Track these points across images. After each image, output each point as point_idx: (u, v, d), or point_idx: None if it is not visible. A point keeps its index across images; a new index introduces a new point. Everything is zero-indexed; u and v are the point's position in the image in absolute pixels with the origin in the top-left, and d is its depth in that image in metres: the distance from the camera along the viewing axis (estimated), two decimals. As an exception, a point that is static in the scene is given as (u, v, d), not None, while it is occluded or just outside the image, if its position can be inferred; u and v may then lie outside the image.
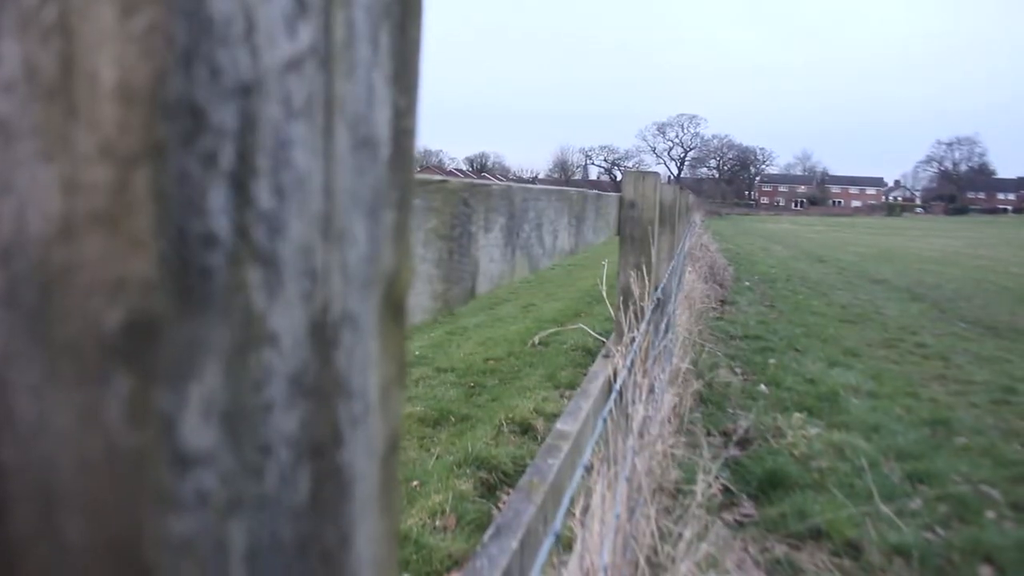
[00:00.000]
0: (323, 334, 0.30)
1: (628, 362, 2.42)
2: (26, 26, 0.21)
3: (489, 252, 1.05)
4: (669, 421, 4.32)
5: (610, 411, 2.42)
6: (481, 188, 0.99)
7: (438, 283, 0.85)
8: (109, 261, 0.21)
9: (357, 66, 0.31)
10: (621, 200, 2.63)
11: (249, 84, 0.24)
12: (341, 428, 0.32)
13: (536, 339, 6.66)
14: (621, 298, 2.66)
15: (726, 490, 4.22)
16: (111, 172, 0.21)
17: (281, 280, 0.27)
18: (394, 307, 0.37)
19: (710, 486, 3.48)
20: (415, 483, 4.58)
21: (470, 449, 4.87)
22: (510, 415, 5.46)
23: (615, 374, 2.50)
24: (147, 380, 0.22)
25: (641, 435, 2.50)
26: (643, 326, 2.46)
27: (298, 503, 0.29)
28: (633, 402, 2.40)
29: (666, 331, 4.65)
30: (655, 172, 2.70)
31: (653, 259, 2.61)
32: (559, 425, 1.96)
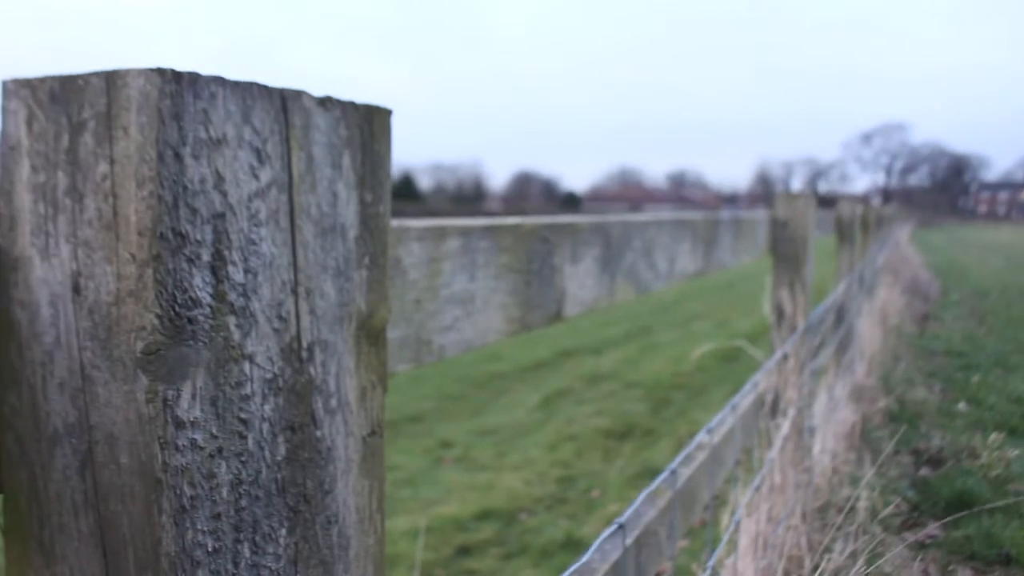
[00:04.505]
0: (296, 354, 0.49)
1: (779, 378, 2.48)
2: (95, 191, 0.41)
3: (579, 280, 1.21)
4: (848, 438, 4.24)
5: (758, 424, 2.49)
6: (564, 226, 1.15)
7: (514, 309, 1.02)
8: (136, 316, 0.41)
9: (319, 183, 0.49)
10: (773, 220, 2.69)
11: (221, 212, 0.43)
12: (317, 415, 0.51)
13: (698, 354, 6.65)
14: (774, 316, 2.71)
15: (912, 509, 4.09)
16: (135, 270, 0.40)
17: (256, 322, 0.46)
18: (371, 335, 0.55)
19: (888, 504, 3.41)
20: (595, 492, 4.73)
21: (650, 461, 4.97)
22: (693, 429, 5.50)
23: (769, 389, 2.56)
24: (156, 379, 0.41)
25: (792, 449, 2.54)
26: (791, 343, 2.50)
27: (278, 459, 0.48)
28: (782, 416, 2.45)
29: (845, 346, 4.56)
30: (807, 192, 2.74)
31: (806, 277, 2.65)
32: (700, 436, 2.07)
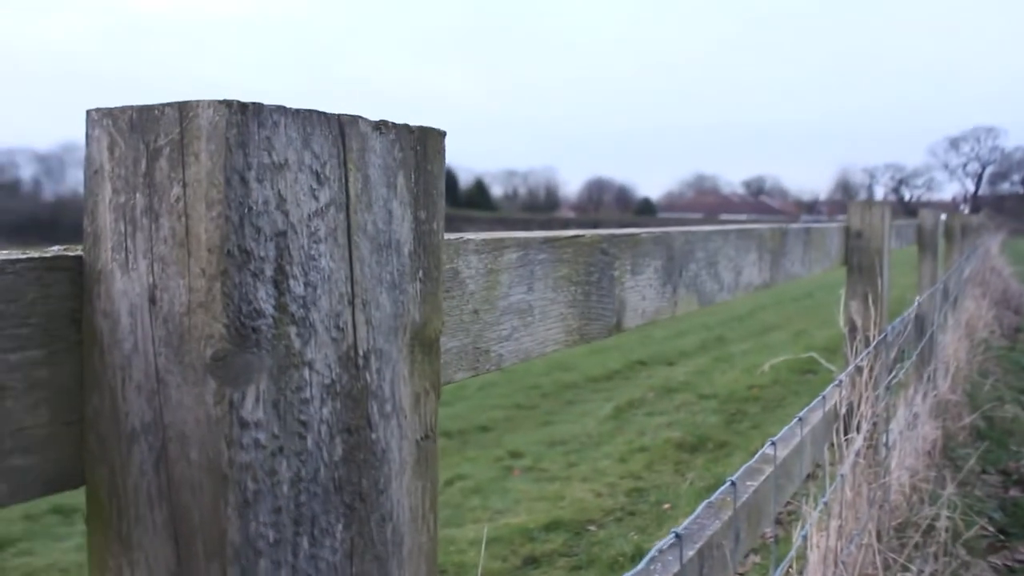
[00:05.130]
0: (352, 361, 0.52)
1: (850, 391, 2.44)
2: (170, 212, 0.45)
3: (640, 291, 1.23)
4: (929, 454, 4.13)
5: (830, 439, 2.45)
6: (624, 237, 1.17)
7: (572, 320, 1.04)
8: (205, 326, 0.44)
9: (374, 202, 0.53)
10: (847, 230, 2.66)
11: (283, 230, 0.47)
12: (372, 418, 0.54)
13: (767, 366, 6.54)
14: (847, 328, 2.67)
15: (999, 531, 3.96)
16: (205, 283, 0.44)
17: (315, 331, 0.49)
18: (425, 344, 0.59)
19: (971, 525, 3.32)
20: (666, 505, 4.70)
21: (723, 475, 4.91)
22: (767, 443, 5.42)
23: (840, 403, 2.52)
24: (223, 383, 0.45)
25: (866, 464, 2.50)
26: (865, 356, 2.47)
27: (335, 459, 0.51)
28: (855, 431, 2.42)
29: (927, 360, 4.44)
30: (884, 201, 2.70)
31: (880, 289, 2.61)
32: (766, 449, 2.06)
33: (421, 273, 0.58)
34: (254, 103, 0.45)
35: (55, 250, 0.55)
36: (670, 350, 9.61)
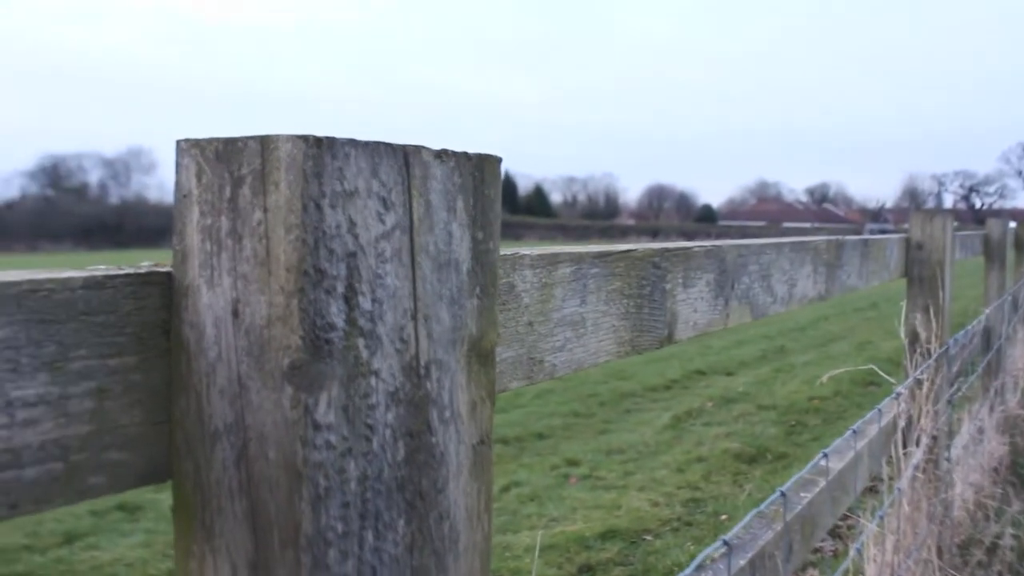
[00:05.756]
0: (415, 371, 0.57)
1: (909, 404, 2.43)
2: (252, 234, 0.50)
3: (692, 304, 1.26)
4: (995, 471, 4.05)
5: (887, 453, 2.44)
6: (676, 251, 1.21)
7: (624, 331, 1.08)
8: (284, 338, 0.49)
9: (435, 225, 0.58)
10: (907, 241, 2.64)
11: (353, 251, 0.52)
12: (432, 423, 0.59)
13: (828, 378, 6.44)
14: (907, 341, 2.65)
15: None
16: (283, 299, 0.49)
17: (380, 343, 0.54)
18: (481, 356, 0.63)
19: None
20: (724, 516, 4.68)
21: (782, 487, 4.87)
22: (827, 456, 5.36)
23: (899, 416, 2.51)
24: (299, 389, 0.50)
25: (925, 479, 2.47)
26: (926, 369, 2.45)
27: (397, 460, 0.56)
28: (913, 445, 2.40)
29: (994, 374, 4.36)
30: (946, 211, 2.68)
31: (942, 301, 2.58)
32: (818, 460, 2.06)
33: (478, 289, 0.62)
34: (328, 137, 0.50)
35: (147, 266, 0.61)
36: (729, 360, 9.53)
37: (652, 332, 1.15)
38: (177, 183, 0.57)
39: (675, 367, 8.78)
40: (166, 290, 0.58)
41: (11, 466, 0.51)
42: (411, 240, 0.56)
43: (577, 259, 0.96)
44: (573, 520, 4.51)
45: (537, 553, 3.90)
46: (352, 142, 0.52)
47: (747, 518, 1.39)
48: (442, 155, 0.58)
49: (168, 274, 0.58)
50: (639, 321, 1.12)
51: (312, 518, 0.51)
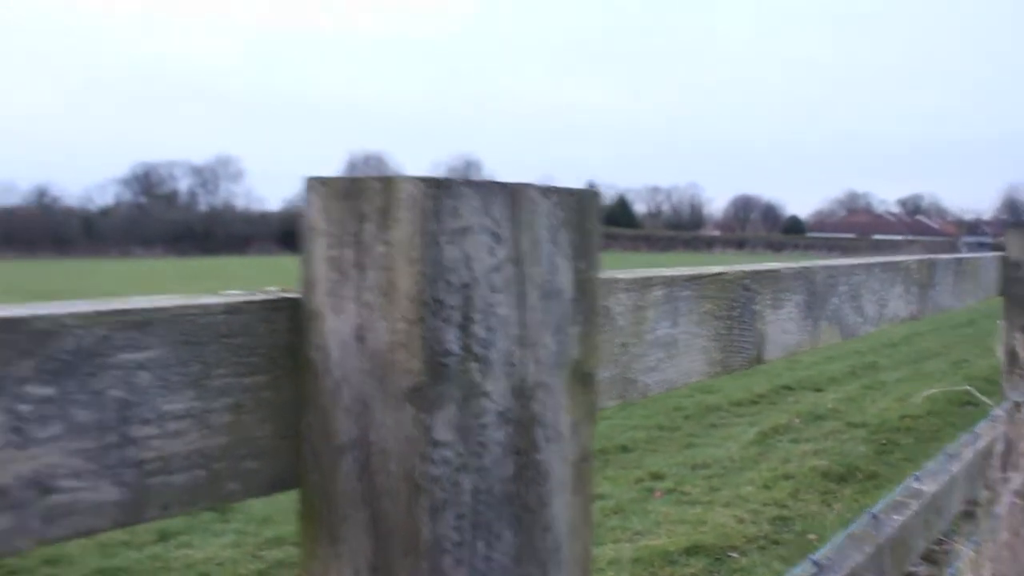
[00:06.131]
0: (522, 393, 0.61)
1: (1008, 427, 2.37)
2: (375, 266, 0.55)
3: (781, 325, 1.27)
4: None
5: (984, 478, 2.38)
6: (766, 273, 1.22)
7: (714, 352, 1.10)
8: (405, 362, 0.54)
9: (541, 257, 0.62)
10: (1004, 260, 2.59)
11: (468, 283, 0.56)
12: (537, 442, 0.63)
13: (922, 396, 6.26)
14: (1006, 361, 2.59)
15: None
16: (405, 327, 0.54)
17: (492, 367, 0.58)
18: (582, 378, 0.67)
19: None
20: (812, 536, 4.60)
21: (872, 508, 4.77)
22: (920, 476, 5.22)
23: (997, 439, 2.45)
24: (419, 409, 0.54)
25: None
26: (1024, 389, 2.39)
27: (506, 475, 0.60)
28: (1013, 468, 2.34)
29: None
30: (1047, 229, 2.61)
31: (1042, 320, 2.52)
32: (912, 483, 2.03)
33: (580, 316, 0.66)
34: (445, 179, 0.55)
35: (274, 291, 0.66)
36: (818, 375, 9.34)
37: (742, 353, 1.17)
38: (304, 216, 0.63)
39: (762, 382, 8.64)
40: (294, 314, 0.63)
41: (162, 472, 0.57)
42: (520, 271, 0.60)
43: (669, 282, 0.99)
44: (657, 534, 4.50)
45: (623, 568, 3.91)
46: (467, 183, 0.57)
47: (838, 539, 1.39)
48: (547, 192, 0.62)
49: (295, 300, 0.63)
50: (729, 342, 1.14)
51: (430, 527, 0.55)
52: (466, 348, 0.56)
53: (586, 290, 0.67)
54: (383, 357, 0.56)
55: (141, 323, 0.55)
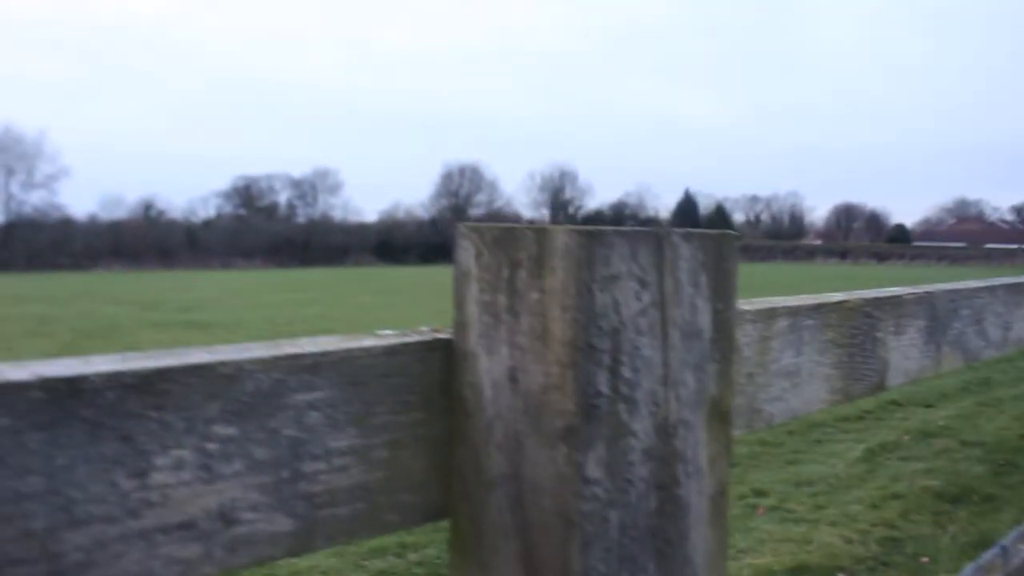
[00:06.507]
0: (665, 430, 0.64)
1: None
2: (529, 311, 0.59)
3: (903, 351, 1.26)
4: None
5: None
6: (887, 300, 1.22)
7: (836, 380, 1.11)
8: (559, 403, 0.58)
9: (683, 299, 0.64)
10: None
11: (617, 327, 0.59)
12: (679, 477, 0.65)
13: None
14: None
15: None
16: (558, 370, 0.57)
17: (637, 407, 0.61)
18: (719, 414, 0.69)
19: None
20: (924, 559, 4.45)
21: (990, 533, 4.59)
22: (1043, 499, 5.00)
23: None
24: (572, 448, 0.57)
25: None
26: None
27: (649, 510, 0.63)
28: None
29: None
30: None
31: None
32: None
33: (718, 355, 0.68)
34: (597, 229, 0.58)
35: (426, 330, 0.71)
36: (928, 391, 9.02)
37: (864, 380, 1.17)
38: (456, 261, 0.67)
39: (869, 398, 8.40)
40: (445, 355, 0.67)
41: (329, 504, 0.61)
42: (663, 314, 0.63)
43: (793, 312, 1.00)
44: (761, 552, 4.42)
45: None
46: (616, 232, 0.60)
47: (967, 570, 1.36)
48: (688, 237, 0.65)
49: (448, 341, 0.67)
50: (851, 370, 1.14)
51: (580, 560, 0.58)
52: (614, 389, 0.59)
53: (723, 329, 0.69)
54: (536, 398, 0.59)
55: (312, 366, 0.60)
